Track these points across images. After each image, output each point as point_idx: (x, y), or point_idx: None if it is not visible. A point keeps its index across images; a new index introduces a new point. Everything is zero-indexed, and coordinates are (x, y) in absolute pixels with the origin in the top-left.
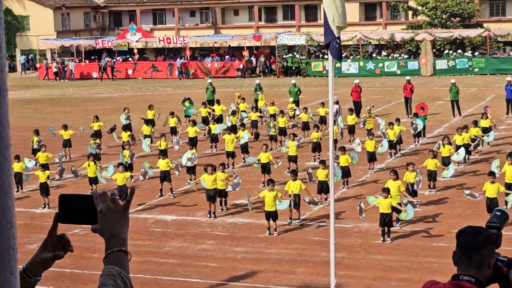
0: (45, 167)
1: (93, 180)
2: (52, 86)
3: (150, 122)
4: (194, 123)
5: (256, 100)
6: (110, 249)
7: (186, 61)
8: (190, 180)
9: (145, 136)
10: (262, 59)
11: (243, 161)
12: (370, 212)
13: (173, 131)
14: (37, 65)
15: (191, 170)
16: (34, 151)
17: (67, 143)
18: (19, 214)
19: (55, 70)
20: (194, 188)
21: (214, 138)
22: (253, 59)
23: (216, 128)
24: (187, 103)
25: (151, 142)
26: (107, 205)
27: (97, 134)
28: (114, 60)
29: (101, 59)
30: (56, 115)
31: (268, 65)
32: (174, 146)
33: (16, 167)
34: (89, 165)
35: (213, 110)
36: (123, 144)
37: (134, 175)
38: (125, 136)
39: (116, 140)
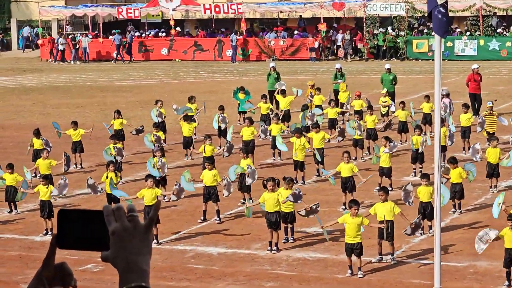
0: (47, 179)
1: (114, 198)
2: (58, 70)
3: (188, 118)
4: (251, 122)
5: (336, 91)
6: (126, 285)
7: (241, 37)
8: (244, 200)
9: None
10: (345, 35)
11: (317, 174)
12: (489, 247)
13: (222, 132)
14: (39, 42)
15: (245, 188)
16: (36, 158)
17: (76, 147)
18: (12, 242)
19: (61, 48)
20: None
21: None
22: (333, 36)
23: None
24: (241, 95)
25: (192, 146)
26: (123, 225)
27: (118, 135)
28: (132, 35)
29: (124, 33)
30: (64, 109)
31: (353, 44)
32: (223, 152)
33: (8, 179)
34: (107, 177)
35: (277, 104)
36: (153, 150)
37: (167, 194)
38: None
39: (146, 145)
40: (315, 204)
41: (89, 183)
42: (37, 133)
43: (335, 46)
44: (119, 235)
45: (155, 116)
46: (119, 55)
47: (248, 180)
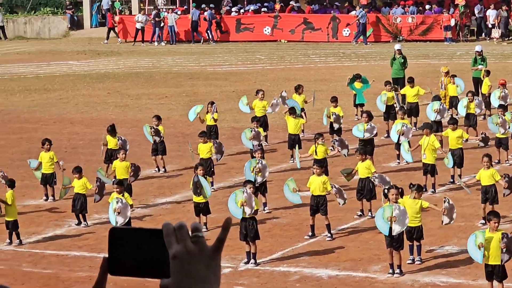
0: (123, 185)
1: (202, 208)
2: (139, 53)
3: (295, 112)
4: (369, 116)
5: (477, 80)
6: None
7: (360, 13)
8: (362, 212)
9: (293, 140)
10: (501, 12)
11: (451, 181)
12: None
13: (336, 130)
14: (116, 19)
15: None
16: (109, 159)
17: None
18: (81, 261)
19: (138, 26)
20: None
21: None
22: (481, 12)
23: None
24: (357, 84)
25: (299, 146)
26: (186, 247)
27: (212, 132)
28: (212, 13)
29: (219, 8)
30: (145, 100)
31: (504, 20)
32: (340, 151)
33: (76, 186)
34: (199, 192)
35: (402, 97)
36: (252, 150)
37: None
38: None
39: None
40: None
41: (195, 180)
42: (111, 130)
43: (478, 24)
44: (181, 260)
45: (243, 106)
46: (207, 35)
47: (258, 179)
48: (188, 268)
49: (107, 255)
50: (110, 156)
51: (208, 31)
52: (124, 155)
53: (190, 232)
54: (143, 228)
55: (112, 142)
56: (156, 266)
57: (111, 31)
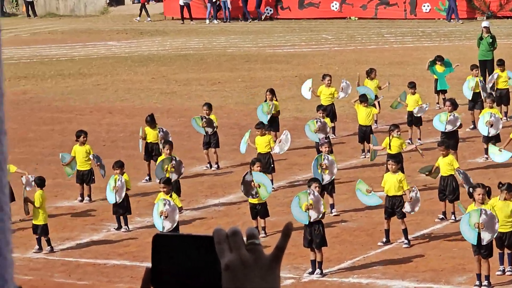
0: (169, 184)
1: (259, 210)
2: (188, 32)
3: (364, 101)
4: (454, 105)
5: None
6: None
7: None
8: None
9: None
10: None
11: None
12: None
13: (414, 119)
14: None
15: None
16: (151, 155)
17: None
18: (121, 271)
19: (182, 2)
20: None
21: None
22: None
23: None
24: (439, 67)
25: (370, 140)
26: (240, 256)
27: (273, 123)
28: None
29: None
30: (195, 86)
31: None
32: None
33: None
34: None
35: (491, 81)
36: (319, 143)
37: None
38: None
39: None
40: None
41: (246, 179)
42: (151, 121)
43: None
44: (235, 271)
45: (307, 91)
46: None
47: (325, 177)
48: (243, 280)
49: (150, 265)
50: (151, 152)
51: (259, 8)
52: (169, 150)
53: (245, 239)
54: (191, 235)
55: (151, 135)
56: (206, 277)
57: (143, 8)
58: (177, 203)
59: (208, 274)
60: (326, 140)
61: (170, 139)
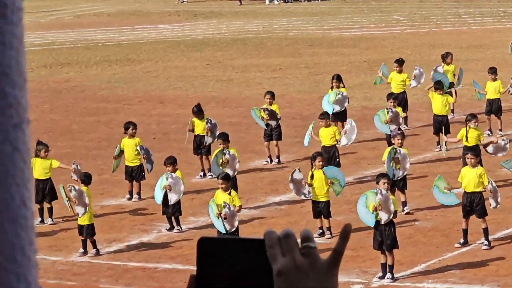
0: (228, 180)
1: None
2: (246, 14)
3: (440, 88)
4: None
5: None
6: None
7: None
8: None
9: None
10: None
11: None
12: None
13: (496, 109)
14: None
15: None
16: (200, 148)
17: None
18: (173, 275)
19: None
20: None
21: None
22: None
23: None
24: None
25: (446, 131)
26: (294, 261)
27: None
28: None
29: None
30: (254, 73)
31: None
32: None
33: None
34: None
35: None
36: (391, 135)
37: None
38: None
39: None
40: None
41: (294, 177)
42: (198, 111)
43: None
44: (288, 277)
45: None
46: None
47: (397, 172)
48: (297, 287)
49: (195, 272)
50: (199, 145)
51: None
52: (222, 143)
53: (299, 242)
54: (240, 238)
55: (199, 127)
56: (256, 284)
57: None
58: (236, 202)
59: (258, 280)
60: (398, 132)
61: (218, 132)
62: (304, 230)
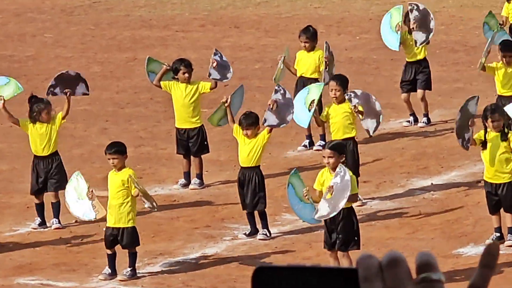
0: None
1: None
2: None
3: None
4: None
5: None
6: None
7: None
8: None
9: None
10: None
11: None
12: None
13: None
14: None
15: None
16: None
17: None
18: None
19: None
20: None
21: None
22: None
23: None
24: None
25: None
26: None
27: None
28: None
29: None
30: None
31: None
32: None
33: None
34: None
35: None
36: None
37: None
38: None
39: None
40: None
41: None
42: (309, 35)
43: None
44: None
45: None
46: None
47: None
48: None
49: None
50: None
51: None
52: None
53: (414, 273)
54: (316, 267)
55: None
56: None
57: None
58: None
59: None
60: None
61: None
62: (423, 254)
